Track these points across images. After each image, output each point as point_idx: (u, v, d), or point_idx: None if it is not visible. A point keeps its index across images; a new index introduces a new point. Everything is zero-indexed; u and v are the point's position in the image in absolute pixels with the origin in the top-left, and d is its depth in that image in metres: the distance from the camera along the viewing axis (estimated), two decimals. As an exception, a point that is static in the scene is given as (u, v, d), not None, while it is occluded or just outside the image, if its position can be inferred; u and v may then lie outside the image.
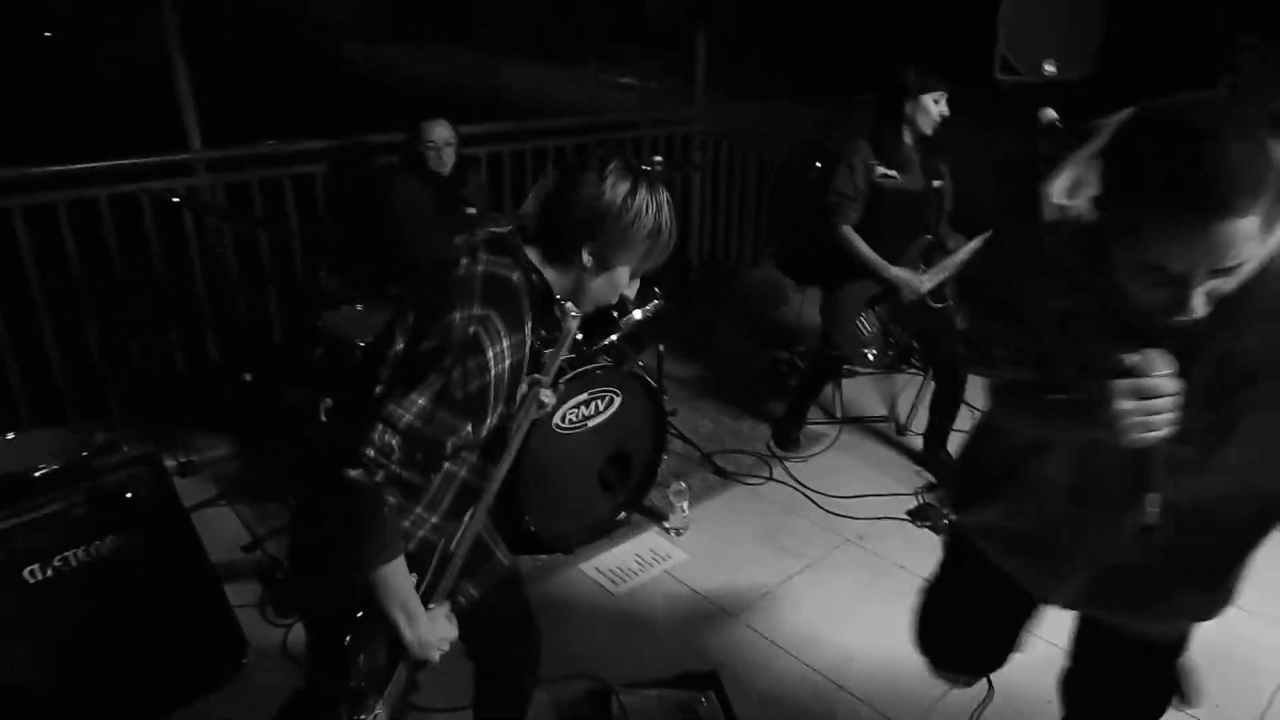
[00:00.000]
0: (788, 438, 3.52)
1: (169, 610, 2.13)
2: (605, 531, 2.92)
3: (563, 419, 2.69)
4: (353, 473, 1.19)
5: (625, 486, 2.94)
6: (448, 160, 3.19)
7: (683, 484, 3.00)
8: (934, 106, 3.04)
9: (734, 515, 3.09)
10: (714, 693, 2.17)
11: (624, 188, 1.33)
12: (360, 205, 3.46)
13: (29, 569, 1.91)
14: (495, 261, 1.34)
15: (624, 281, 1.42)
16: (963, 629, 1.67)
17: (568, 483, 2.79)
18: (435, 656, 1.40)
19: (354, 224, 3.50)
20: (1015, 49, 2.96)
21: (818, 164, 3.83)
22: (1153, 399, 1.05)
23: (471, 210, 3.11)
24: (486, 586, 1.61)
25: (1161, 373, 1.06)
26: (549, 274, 1.38)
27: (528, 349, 1.34)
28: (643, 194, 1.35)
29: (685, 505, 2.95)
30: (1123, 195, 1.01)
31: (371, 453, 1.19)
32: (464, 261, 1.33)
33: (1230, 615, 1.41)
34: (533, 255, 1.38)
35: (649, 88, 4.92)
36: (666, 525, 2.97)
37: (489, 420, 1.31)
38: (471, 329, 1.25)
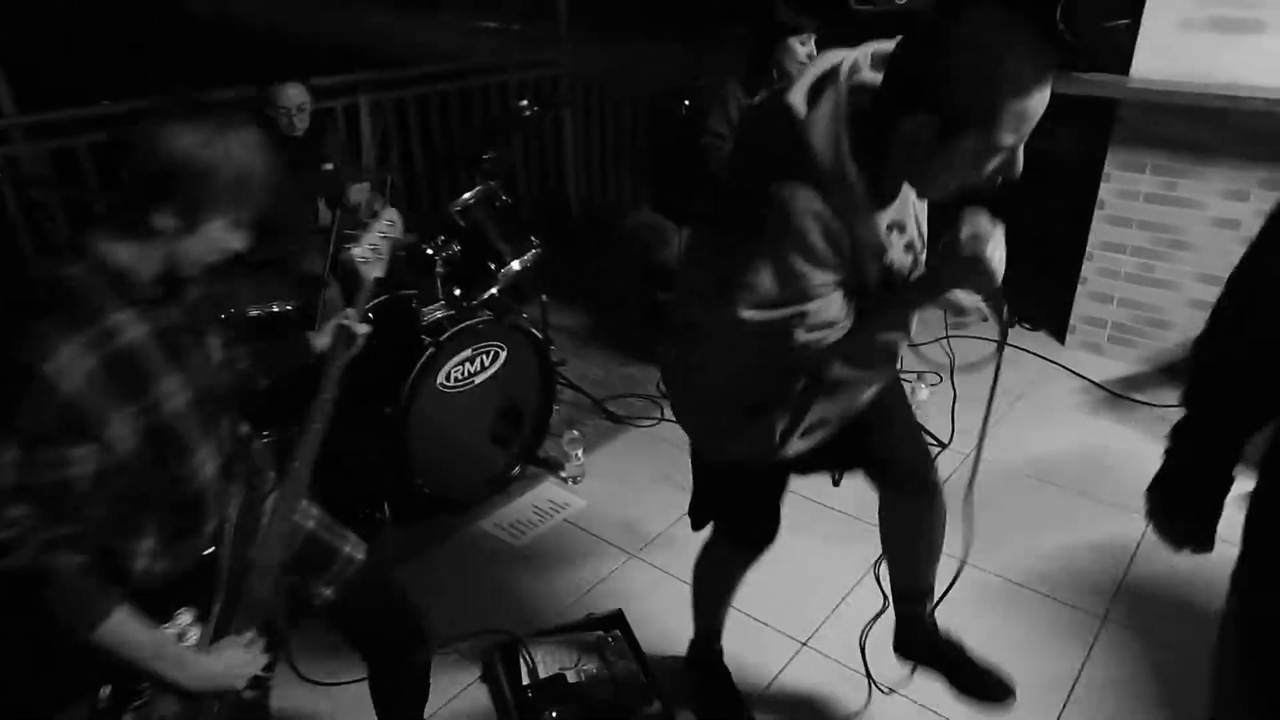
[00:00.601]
0: (676, 378, 3.56)
1: None
2: (502, 486, 2.90)
3: (448, 377, 2.64)
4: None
5: (518, 440, 2.93)
6: (300, 124, 3.00)
7: (576, 432, 3.01)
8: (800, 49, 3.04)
9: (629, 458, 3.13)
10: (619, 631, 2.22)
11: (190, 138, 1.14)
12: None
13: None
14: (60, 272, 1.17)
15: (223, 237, 1.23)
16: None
17: (459, 441, 2.75)
18: (239, 684, 1.31)
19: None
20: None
21: (686, 103, 3.83)
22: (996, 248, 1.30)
23: (329, 167, 2.95)
24: (341, 583, 1.53)
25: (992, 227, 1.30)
26: (124, 253, 1.18)
27: (139, 336, 1.18)
28: (214, 138, 1.16)
29: (580, 453, 2.97)
30: (980, 89, 1.15)
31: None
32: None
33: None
34: (104, 240, 1.18)
35: (511, 31, 4.76)
36: (563, 474, 2.98)
37: (122, 429, 1.14)
38: (26, 360, 1.08)
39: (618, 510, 2.83)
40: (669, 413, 3.38)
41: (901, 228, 1.42)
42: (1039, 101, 1.17)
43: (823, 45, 3.10)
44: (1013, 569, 2.52)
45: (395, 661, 1.69)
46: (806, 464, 1.65)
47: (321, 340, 1.63)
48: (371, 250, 1.67)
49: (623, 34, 4.94)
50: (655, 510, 2.82)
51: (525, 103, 3.31)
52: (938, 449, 3.03)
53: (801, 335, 1.31)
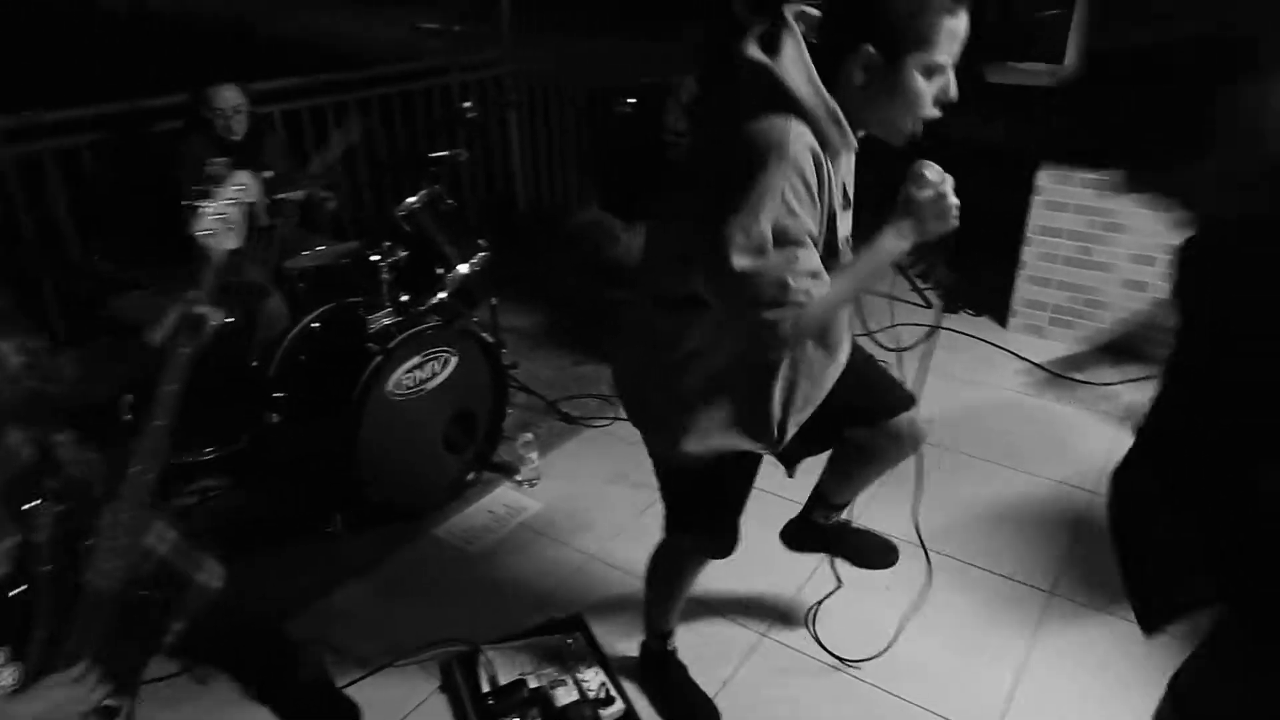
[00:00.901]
0: (630, 376, 3.56)
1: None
2: (456, 493, 2.88)
3: (397, 385, 2.60)
4: None
5: (471, 445, 2.90)
6: (238, 127, 2.93)
7: (530, 435, 2.99)
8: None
9: (585, 459, 3.12)
10: (580, 633, 2.21)
11: None
12: (141, 179, 3.14)
13: None
14: None
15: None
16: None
17: (411, 450, 2.71)
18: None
19: (135, 200, 3.17)
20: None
21: (629, 100, 3.82)
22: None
23: (269, 174, 2.89)
24: (194, 615, 1.43)
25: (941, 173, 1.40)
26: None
27: None
28: None
29: (535, 456, 2.95)
30: (914, 12, 1.24)
31: None
32: None
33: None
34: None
35: (452, 32, 4.71)
36: (518, 478, 2.96)
37: None
38: None
39: (575, 512, 2.83)
40: (624, 411, 3.37)
41: (846, 188, 1.45)
42: (964, 21, 1.26)
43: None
44: (960, 548, 2.57)
45: (287, 688, 1.61)
46: (793, 452, 1.68)
47: (158, 334, 1.42)
48: (219, 219, 1.45)
49: (567, 32, 4.93)
50: (612, 510, 2.82)
51: (469, 104, 3.28)
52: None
53: (797, 283, 1.27)
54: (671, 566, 1.95)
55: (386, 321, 2.68)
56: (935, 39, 1.25)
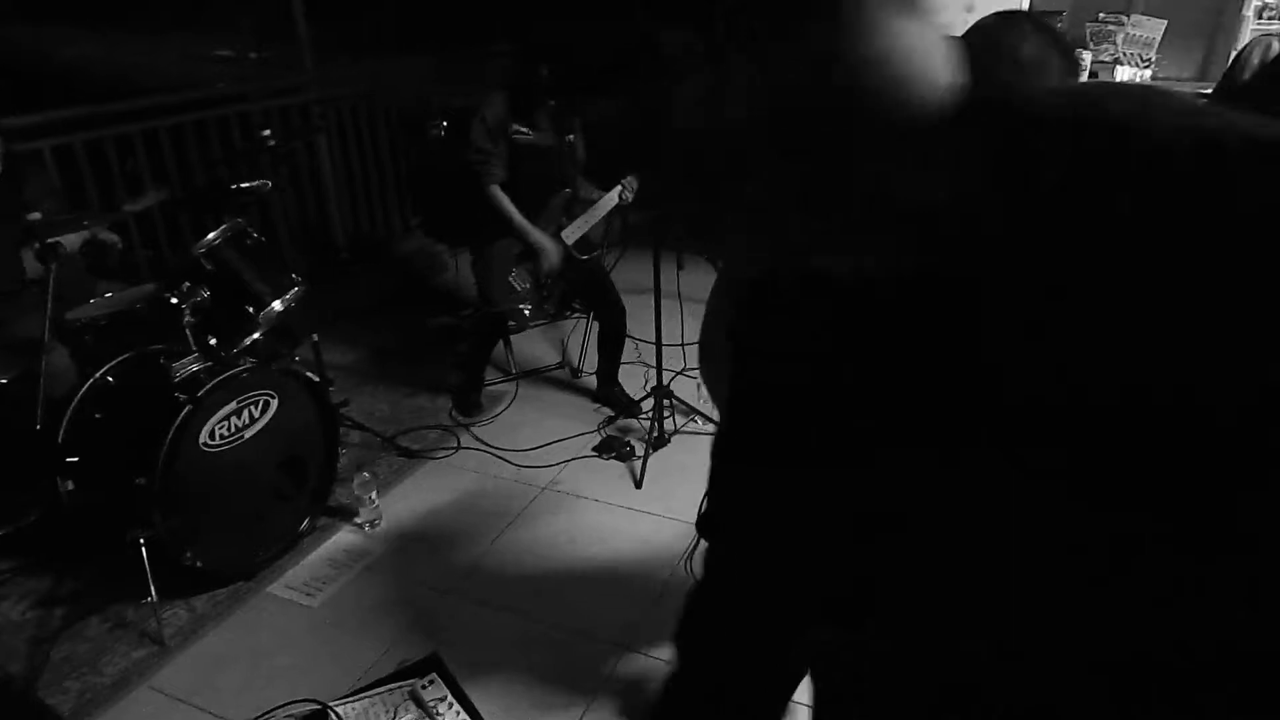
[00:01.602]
0: (469, 403, 3.48)
1: None
2: (291, 545, 2.69)
3: (211, 435, 2.40)
4: None
5: (303, 492, 2.72)
6: None
7: (367, 474, 2.85)
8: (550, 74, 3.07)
9: (429, 492, 3.01)
10: (436, 673, 2.12)
11: None
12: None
13: None
14: None
15: None
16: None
17: (234, 504, 2.51)
18: None
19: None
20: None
21: (444, 122, 3.75)
22: None
23: (36, 216, 2.59)
24: None
25: None
26: None
27: None
28: None
29: (374, 496, 2.81)
30: None
31: None
32: None
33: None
34: None
35: (249, 59, 4.45)
36: (358, 521, 2.81)
37: None
38: None
39: (423, 548, 2.71)
40: (466, 440, 3.29)
41: None
42: None
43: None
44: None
45: None
46: None
47: None
48: None
49: (373, 52, 4.77)
50: (461, 542, 2.73)
51: (268, 132, 3.10)
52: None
53: None
54: None
55: (194, 368, 2.47)
56: None
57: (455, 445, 3.26)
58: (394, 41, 4.70)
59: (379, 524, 2.82)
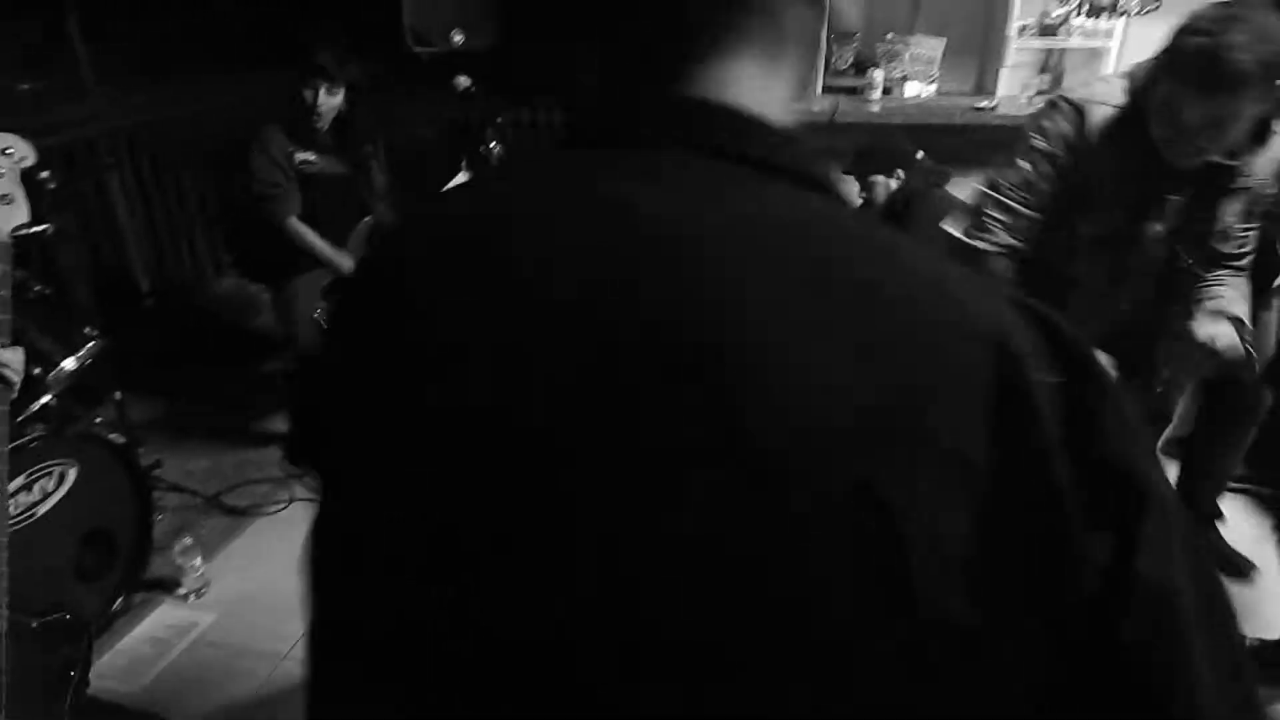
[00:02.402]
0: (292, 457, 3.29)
1: None
2: (103, 629, 2.43)
3: (-4, 518, 2.13)
4: None
5: (114, 569, 2.47)
6: None
7: (189, 539, 2.63)
8: (325, 98, 2.97)
9: (261, 552, 2.82)
10: (282, 749, 1.98)
11: None
12: None
13: None
14: None
15: None
16: None
17: (28, 592, 2.24)
18: None
19: None
20: (421, 21, 3.05)
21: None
22: None
23: None
24: None
25: None
26: None
27: None
28: None
29: (198, 562, 2.60)
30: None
31: None
32: None
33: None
34: None
35: (19, 90, 4.01)
36: (181, 592, 2.59)
37: None
38: None
39: (259, 612, 2.53)
40: (300, 492, 3.10)
41: None
42: None
43: (384, 88, 3.08)
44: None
45: None
46: None
47: None
48: None
49: (169, 74, 4.41)
50: (299, 601, 2.56)
51: (46, 173, 2.81)
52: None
53: None
54: None
55: (-31, 443, 2.19)
56: None
57: (288, 498, 3.07)
58: (192, 59, 4.36)
59: (205, 591, 2.61)
